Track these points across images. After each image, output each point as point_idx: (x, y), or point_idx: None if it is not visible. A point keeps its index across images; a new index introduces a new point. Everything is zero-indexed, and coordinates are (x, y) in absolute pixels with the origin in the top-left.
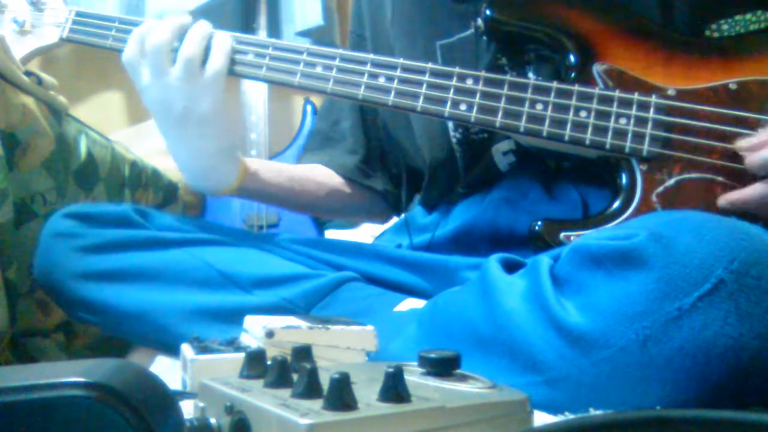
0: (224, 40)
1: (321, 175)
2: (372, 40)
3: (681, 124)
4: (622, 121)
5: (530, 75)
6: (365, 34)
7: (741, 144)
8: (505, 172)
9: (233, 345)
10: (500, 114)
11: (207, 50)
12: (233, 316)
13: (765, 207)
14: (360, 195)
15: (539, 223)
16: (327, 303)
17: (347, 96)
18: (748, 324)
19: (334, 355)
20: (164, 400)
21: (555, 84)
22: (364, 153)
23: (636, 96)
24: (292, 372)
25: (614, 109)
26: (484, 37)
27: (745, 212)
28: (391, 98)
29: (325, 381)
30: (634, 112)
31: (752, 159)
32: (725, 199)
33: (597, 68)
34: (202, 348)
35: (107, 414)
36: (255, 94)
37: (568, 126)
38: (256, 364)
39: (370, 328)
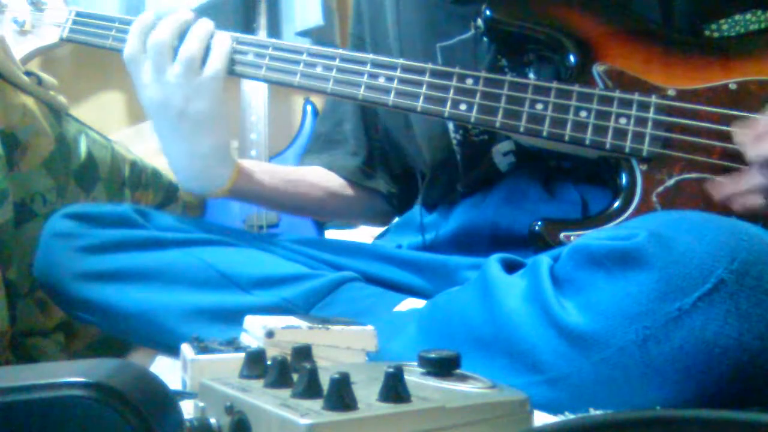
0: (224, 42)
1: (316, 177)
2: (371, 42)
3: (681, 124)
4: (622, 121)
5: (530, 76)
6: (365, 36)
7: (739, 138)
8: (505, 172)
9: (233, 345)
10: (500, 114)
11: (207, 50)
12: (233, 316)
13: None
14: (360, 197)
15: (539, 223)
16: (327, 303)
17: (347, 96)
18: (749, 324)
19: (334, 355)
20: (164, 400)
21: (555, 84)
22: (366, 155)
23: (636, 96)
24: (292, 372)
25: (614, 109)
26: (484, 38)
27: (744, 212)
28: (391, 98)
29: (325, 381)
30: (634, 112)
31: (754, 154)
32: (721, 193)
33: (597, 68)
34: (202, 348)
35: (107, 414)
36: (255, 94)
37: (568, 126)
38: (256, 364)
39: (370, 328)
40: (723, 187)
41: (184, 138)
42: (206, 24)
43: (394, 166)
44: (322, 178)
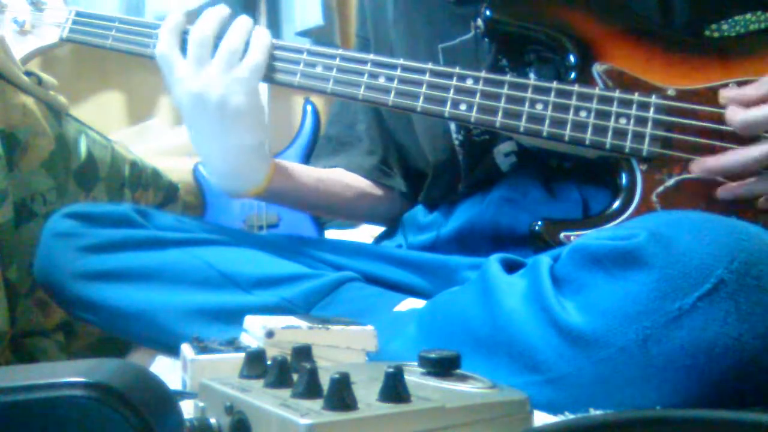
0: (264, 36)
1: (347, 177)
2: (374, 42)
3: (681, 124)
4: (622, 121)
5: (531, 76)
6: (369, 37)
7: (726, 93)
8: (506, 171)
9: (233, 345)
10: (500, 114)
11: (246, 45)
12: (233, 316)
13: (743, 175)
14: (383, 196)
15: (539, 222)
16: (327, 303)
17: (347, 96)
18: (748, 324)
19: (334, 355)
20: (164, 400)
21: (555, 84)
22: (382, 153)
23: (636, 96)
24: (292, 372)
25: (614, 109)
26: (485, 39)
27: (744, 212)
28: (391, 98)
29: (325, 381)
30: (634, 112)
31: (739, 120)
32: (700, 167)
33: (597, 68)
34: (202, 348)
35: (107, 414)
36: None
37: (568, 126)
38: (256, 364)
39: (370, 328)
40: (700, 163)
41: (222, 133)
42: (247, 20)
43: (402, 165)
44: (350, 178)
